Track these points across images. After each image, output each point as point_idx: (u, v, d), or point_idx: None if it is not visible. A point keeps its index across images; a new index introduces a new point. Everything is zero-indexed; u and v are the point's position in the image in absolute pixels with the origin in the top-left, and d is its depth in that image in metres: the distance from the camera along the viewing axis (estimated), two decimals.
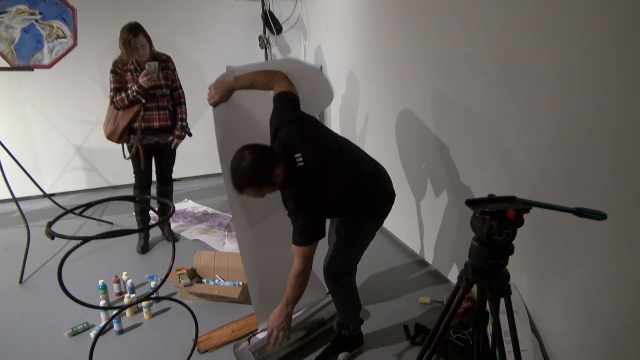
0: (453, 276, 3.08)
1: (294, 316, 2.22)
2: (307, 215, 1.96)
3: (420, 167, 3.32)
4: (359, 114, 4.34)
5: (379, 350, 2.52)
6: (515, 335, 1.21)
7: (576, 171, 1.98)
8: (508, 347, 1.65)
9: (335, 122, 5.07)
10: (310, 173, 1.96)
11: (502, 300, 1.22)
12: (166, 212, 3.69)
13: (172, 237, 1.92)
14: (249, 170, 1.86)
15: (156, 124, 3.47)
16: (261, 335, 2.36)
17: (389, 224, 3.95)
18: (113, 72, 3.37)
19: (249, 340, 2.41)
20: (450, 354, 2.33)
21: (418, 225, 3.47)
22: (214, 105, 2.27)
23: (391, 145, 3.69)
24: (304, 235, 1.96)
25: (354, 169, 2.12)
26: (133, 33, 3.22)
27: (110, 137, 3.50)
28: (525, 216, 1.16)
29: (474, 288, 1.28)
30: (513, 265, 1.28)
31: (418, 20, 3.13)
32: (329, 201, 2.02)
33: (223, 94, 2.24)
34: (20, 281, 3.37)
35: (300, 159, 1.97)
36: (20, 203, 3.49)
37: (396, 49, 3.46)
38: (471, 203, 1.19)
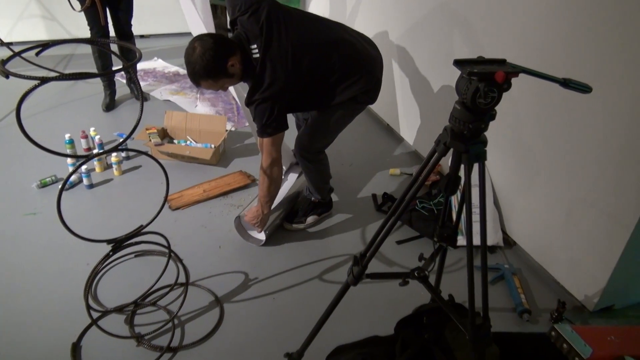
0: (423, 149, 3.12)
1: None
2: (266, 107, 1.93)
3: (410, 45, 3.17)
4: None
5: (346, 216, 2.61)
6: (484, 201, 1.24)
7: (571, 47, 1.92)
8: (474, 217, 1.72)
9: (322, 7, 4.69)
10: (265, 64, 1.91)
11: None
12: (131, 59, 3.45)
13: (140, 91, 1.81)
14: (201, 61, 1.83)
15: None
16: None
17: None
18: None
19: (239, 216, 2.43)
20: (414, 221, 2.44)
21: (398, 102, 3.42)
22: None
23: (381, 19, 3.48)
24: (266, 127, 1.96)
25: (328, 46, 2.05)
26: None
27: None
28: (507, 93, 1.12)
29: (444, 163, 1.27)
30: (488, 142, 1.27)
31: None
32: (293, 90, 1.99)
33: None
34: None
35: (256, 50, 1.92)
36: None
37: None
38: (460, 63, 1.13)
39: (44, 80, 1.34)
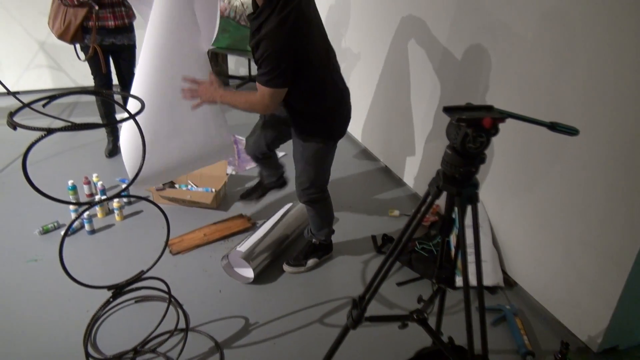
0: (420, 189, 3.15)
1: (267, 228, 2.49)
2: (277, 57, 1.84)
3: (404, 86, 3.26)
4: (348, 23, 4.17)
5: (346, 258, 2.61)
6: (478, 242, 1.26)
7: (556, 88, 1.98)
8: (470, 258, 1.73)
9: None
10: (288, 12, 1.81)
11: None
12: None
13: (142, 138, 1.85)
14: None
15: (111, 23, 3.20)
16: (241, 248, 2.40)
17: (364, 139, 3.96)
18: None
19: (226, 256, 2.45)
20: (414, 263, 2.44)
21: (393, 142, 3.48)
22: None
23: (376, 52, 3.59)
24: (270, 77, 1.88)
25: (330, 57, 2.09)
26: None
27: (61, 37, 3.18)
28: (500, 132, 1.17)
29: (442, 202, 1.31)
30: (481, 180, 1.30)
31: None
32: (304, 55, 1.91)
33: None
34: None
35: None
36: None
37: None
38: (448, 110, 1.18)
39: (49, 132, 1.40)
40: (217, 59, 5.40)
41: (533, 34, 2.06)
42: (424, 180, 3.14)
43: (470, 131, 1.12)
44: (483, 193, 2.45)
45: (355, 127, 4.07)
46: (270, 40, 1.82)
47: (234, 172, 3.53)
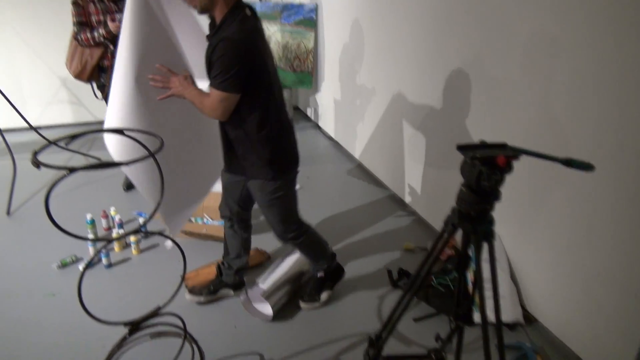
0: (438, 224, 3.13)
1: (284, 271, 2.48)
2: (232, 60, 1.83)
3: (419, 116, 3.29)
4: (362, 62, 4.24)
5: (362, 293, 2.59)
6: (495, 279, 1.25)
7: (566, 125, 1.98)
8: (488, 293, 1.71)
9: (333, 72, 4.95)
10: (250, 26, 1.88)
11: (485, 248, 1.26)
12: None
13: (160, 172, 1.88)
14: None
15: None
16: (263, 285, 2.41)
17: (377, 169, 3.97)
18: (74, 3, 3.09)
19: (245, 292, 2.46)
20: (431, 298, 2.41)
21: (408, 174, 3.49)
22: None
23: (391, 91, 3.64)
24: (223, 78, 1.85)
25: (277, 85, 2.08)
26: None
27: (78, 76, 3.29)
28: (515, 168, 1.17)
29: (459, 236, 1.30)
30: (497, 214, 1.30)
31: None
32: (256, 68, 1.91)
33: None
34: (8, 213, 3.37)
35: (249, 12, 1.92)
36: (5, 135, 3.43)
37: None
38: (462, 149, 1.19)
39: (71, 171, 1.44)
40: None
41: (546, 70, 2.08)
42: (437, 212, 3.13)
43: (485, 169, 1.13)
44: (499, 226, 2.42)
45: (368, 157, 4.10)
46: (229, 42, 1.81)
47: None
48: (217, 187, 3.63)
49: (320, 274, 2.49)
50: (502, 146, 1.23)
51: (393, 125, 3.62)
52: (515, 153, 1.17)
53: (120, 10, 3.12)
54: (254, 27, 1.92)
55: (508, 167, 1.15)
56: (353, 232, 3.21)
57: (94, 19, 3.14)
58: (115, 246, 2.96)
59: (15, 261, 2.83)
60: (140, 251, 2.94)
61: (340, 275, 2.57)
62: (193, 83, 2.05)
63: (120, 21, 3.04)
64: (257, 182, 2.14)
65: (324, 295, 2.48)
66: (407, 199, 3.54)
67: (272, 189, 2.14)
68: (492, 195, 1.20)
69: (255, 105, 1.97)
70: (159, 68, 2.08)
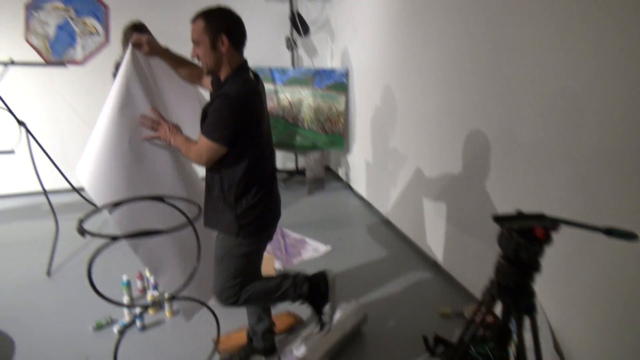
0: (472, 286, 3.04)
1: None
2: (225, 120, 1.92)
3: (452, 180, 3.30)
4: (394, 126, 4.32)
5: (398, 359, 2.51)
6: (539, 355, 1.20)
7: (605, 189, 1.95)
8: None
9: (365, 134, 5.05)
10: (250, 88, 1.97)
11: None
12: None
13: (198, 241, 1.91)
14: (217, 9, 1.95)
15: None
16: (297, 352, 2.38)
17: (410, 231, 3.93)
18: (115, 74, 3.26)
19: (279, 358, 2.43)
20: None
21: (442, 236, 3.44)
22: (142, 51, 2.22)
23: (422, 155, 3.67)
24: (213, 129, 1.93)
25: (270, 153, 2.15)
26: (132, 32, 3.11)
27: None
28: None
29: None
30: (538, 278, 1.26)
31: (457, 18, 3.11)
32: (249, 132, 1.99)
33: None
34: (48, 273, 3.46)
35: (252, 75, 2.03)
36: (49, 196, 3.59)
37: (435, 53, 3.43)
38: (499, 220, 1.18)
39: (114, 239, 1.49)
40: None
41: (573, 129, 2.07)
42: (475, 275, 3.05)
43: (523, 241, 1.12)
44: (539, 290, 2.35)
45: (401, 220, 4.08)
46: (226, 98, 1.91)
47: (281, 267, 3.56)
48: None
49: (304, 302, 2.32)
50: (540, 216, 1.21)
51: (426, 189, 3.62)
52: (554, 224, 1.15)
53: None
54: (254, 90, 2.01)
55: (547, 239, 1.13)
56: (385, 293, 3.15)
57: None
58: (150, 309, 2.97)
59: (53, 321, 2.87)
60: (174, 313, 2.95)
61: (320, 285, 2.30)
62: (180, 132, 2.14)
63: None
64: (222, 235, 2.13)
65: (324, 312, 2.33)
66: (441, 260, 3.47)
67: (233, 245, 2.09)
68: (531, 267, 1.18)
69: (240, 162, 2.02)
70: (152, 111, 2.15)
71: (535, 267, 1.18)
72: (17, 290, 3.26)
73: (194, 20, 1.96)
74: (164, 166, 2.25)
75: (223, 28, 1.92)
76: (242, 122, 1.94)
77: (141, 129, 2.13)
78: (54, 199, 3.76)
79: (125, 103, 2.09)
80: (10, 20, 4.83)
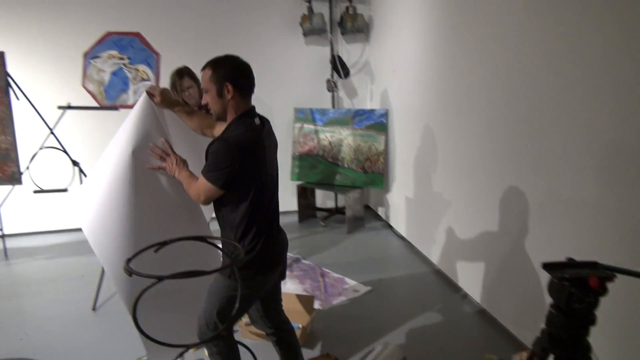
0: (520, 332, 2.91)
1: None
2: (220, 163, 1.96)
3: (501, 225, 3.22)
4: (436, 166, 4.30)
5: None
6: None
7: None
8: None
9: (406, 173, 5.03)
10: (255, 133, 2.03)
11: None
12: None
13: (239, 283, 1.90)
14: (225, 58, 2.05)
15: None
16: None
17: (454, 273, 3.83)
18: None
19: None
20: None
21: (488, 279, 3.34)
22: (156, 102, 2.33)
23: (466, 199, 3.62)
24: (211, 170, 1.98)
25: (270, 199, 2.16)
26: (179, 76, 3.31)
27: None
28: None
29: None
30: (593, 330, 1.19)
31: (498, 56, 3.10)
32: (247, 175, 2.01)
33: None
34: (94, 308, 3.55)
35: (258, 120, 2.07)
36: None
37: (475, 93, 3.41)
38: (549, 267, 1.14)
39: (160, 279, 1.52)
40: (305, 192, 5.70)
41: (622, 182, 2.00)
42: (523, 323, 2.91)
43: (576, 291, 1.07)
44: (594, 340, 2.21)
45: (443, 260, 3.98)
46: (224, 142, 1.96)
47: (320, 307, 3.51)
48: (294, 288, 3.64)
49: None
50: (593, 264, 1.16)
51: (469, 229, 3.54)
52: (609, 273, 1.10)
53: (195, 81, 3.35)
54: (256, 137, 2.05)
55: (603, 290, 1.08)
56: (427, 336, 3.04)
57: None
58: (192, 349, 2.98)
59: (96, 357, 2.92)
60: None
61: None
62: (186, 167, 2.21)
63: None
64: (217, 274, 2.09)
65: None
66: (486, 305, 3.35)
67: (224, 284, 2.07)
68: (586, 318, 1.12)
69: (239, 206, 2.05)
70: (163, 142, 2.25)
71: (590, 319, 1.12)
72: (63, 324, 3.36)
73: (203, 69, 2.06)
74: (171, 210, 2.34)
75: (228, 76, 2.00)
76: (237, 167, 1.96)
77: (148, 161, 2.23)
78: None
79: (134, 140, 2.20)
80: (70, 68, 5.16)
